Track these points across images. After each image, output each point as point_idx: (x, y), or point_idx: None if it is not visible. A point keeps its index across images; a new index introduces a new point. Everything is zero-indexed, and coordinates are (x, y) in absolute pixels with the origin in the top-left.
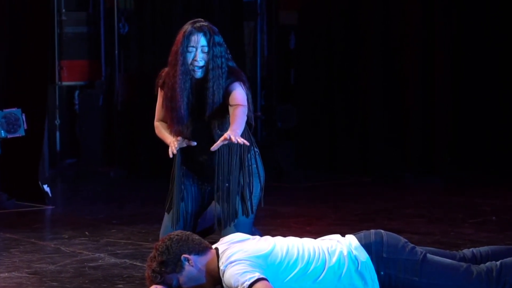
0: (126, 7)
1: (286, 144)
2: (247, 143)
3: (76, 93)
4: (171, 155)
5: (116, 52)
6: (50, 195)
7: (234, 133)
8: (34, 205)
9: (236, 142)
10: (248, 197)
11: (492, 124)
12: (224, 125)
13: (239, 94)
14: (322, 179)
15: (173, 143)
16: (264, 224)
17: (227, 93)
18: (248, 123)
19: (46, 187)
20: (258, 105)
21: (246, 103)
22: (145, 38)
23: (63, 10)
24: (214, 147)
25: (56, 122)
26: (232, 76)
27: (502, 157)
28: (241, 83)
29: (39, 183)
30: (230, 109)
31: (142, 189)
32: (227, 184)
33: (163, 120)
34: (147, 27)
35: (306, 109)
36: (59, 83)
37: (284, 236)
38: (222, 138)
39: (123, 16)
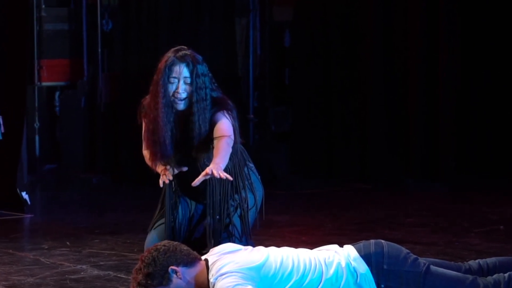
0: (109, 3)
1: (280, 148)
2: (230, 178)
3: (57, 94)
4: (161, 185)
5: (99, 50)
6: (29, 202)
7: (217, 167)
8: (11, 214)
9: (218, 177)
10: (246, 221)
11: (499, 127)
12: (210, 156)
13: (223, 124)
14: (318, 186)
15: (166, 173)
16: (257, 233)
17: (211, 125)
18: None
19: (24, 195)
20: (251, 107)
21: (231, 133)
22: (130, 35)
23: (43, 6)
24: (195, 182)
25: (35, 125)
26: (216, 106)
27: (510, 162)
28: (225, 111)
29: (17, 190)
30: (214, 141)
31: (127, 196)
32: (218, 216)
33: None
34: (132, 24)
35: (302, 111)
36: (39, 83)
37: (278, 246)
38: (203, 173)
39: (107, 12)
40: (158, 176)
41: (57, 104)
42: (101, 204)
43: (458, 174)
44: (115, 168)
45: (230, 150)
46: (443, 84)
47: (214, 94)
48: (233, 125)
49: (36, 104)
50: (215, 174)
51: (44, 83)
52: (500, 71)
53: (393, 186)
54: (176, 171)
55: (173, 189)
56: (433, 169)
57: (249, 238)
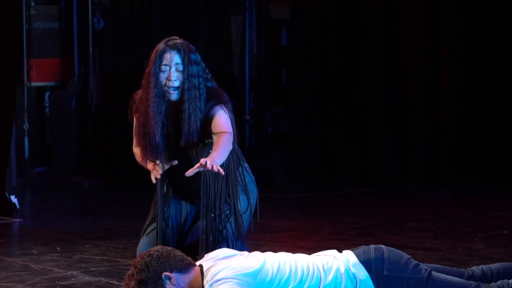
0: (101, 1)
1: (278, 150)
2: (222, 172)
3: (47, 94)
4: (154, 181)
5: (91, 49)
6: (17, 206)
7: (212, 160)
8: (0, 218)
9: (210, 169)
10: (239, 220)
11: (504, 130)
12: (205, 150)
13: (222, 120)
14: (317, 189)
15: (156, 168)
16: (253, 238)
17: (208, 119)
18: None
19: (13, 198)
20: (247, 108)
21: (231, 129)
22: (122, 34)
23: (32, 4)
24: (189, 172)
25: (24, 126)
26: (213, 99)
27: None
28: (223, 105)
29: (6, 193)
30: (214, 137)
31: (119, 200)
32: (212, 215)
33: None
34: (124, 22)
35: (300, 112)
36: (28, 83)
37: (275, 251)
38: (198, 164)
39: (98, 10)
40: (150, 178)
41: (47, 105)
42: (92, 208)
43: (461, 178)
44: (107, 172)
45: (231, 147)
46: (446, 87)
47: (209, 84)
48: (231, 119)
49: (25, 105)
50: (208, 165)
51: (34, 83)
52: (504, 74)
53: (394, 190)
54: (166, 167)
55: (165, 191)
56: (435, 172)
57: (244, 242)
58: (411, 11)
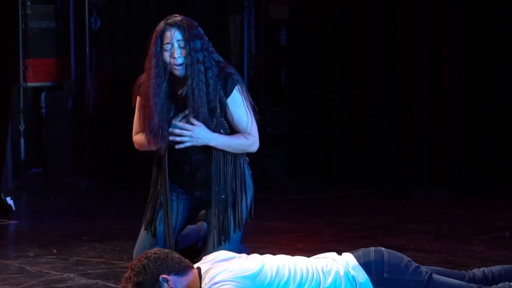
0: (98, 0)
1: (277, 151)
2: (179, 146)
3: (43, 95)
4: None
5: (87, 49)
6: (13, 208)
7: (210, 136)
8: None
9: (178, 133)
10: (239, 209)
11: (504, 130)
12: (214, 128)
13: (246, 117)
14: (316, 191)
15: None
16: (251, 240)
17: (224, 99)
18: None
19: (9, 200)
20: None
21: (257, 134)
22: (119, 34)
23: (28, 3)
24: (184, 124)
25: (20, 127)
26: (227, 76)
27: None
28: (238, 85)
29: (1, 195)
30: (237, 125)
31: (116, 202)
32: (223, 196)
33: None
34: (121, 22)
35: (299, 112)
36: (24, 84)
37: (274, 254)
38: (195, 124)
39: (95, 9)
40: (147, 180)
41: (43, 105)
42: (89, 209)
43: (462, 178)
44: (104, 172)
45: (247, 150)
46: (446, 87)
47: (216, 57)
48: (247, 98)
49: (21, 105)
50: (186, 132)
51: (30, 84)
52: (504, 74)
53: (394, 191)
54: (177, 122)
55: (165, 184)
56: (436, 173)
57: (242, 230)
58: (411, 11)
